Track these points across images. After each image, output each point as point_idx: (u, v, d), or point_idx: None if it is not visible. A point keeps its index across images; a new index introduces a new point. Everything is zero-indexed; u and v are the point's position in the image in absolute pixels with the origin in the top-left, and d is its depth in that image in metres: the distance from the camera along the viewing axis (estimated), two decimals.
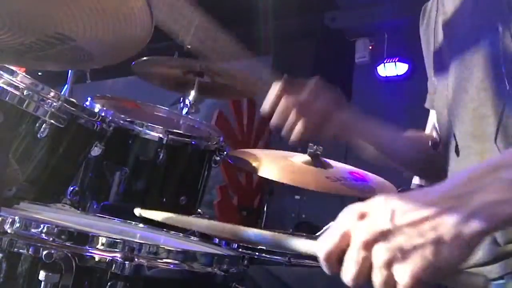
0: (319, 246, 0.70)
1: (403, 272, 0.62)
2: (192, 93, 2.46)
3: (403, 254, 0.63)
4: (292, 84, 1.20)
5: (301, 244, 0.75)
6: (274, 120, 1.21)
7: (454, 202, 0.64)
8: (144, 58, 2.36)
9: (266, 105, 1.22)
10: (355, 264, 0.66)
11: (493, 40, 0.98)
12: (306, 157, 1.80)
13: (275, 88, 1.21)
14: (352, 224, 0.67)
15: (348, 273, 0.66)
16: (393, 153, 1.34)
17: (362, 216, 0.67)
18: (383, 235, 0.64)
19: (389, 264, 0.63)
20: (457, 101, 1.07)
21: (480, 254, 1.00)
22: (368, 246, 0.65)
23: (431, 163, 1.28)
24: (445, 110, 1.13)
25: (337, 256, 0.68)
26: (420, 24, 1.31)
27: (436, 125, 1.29)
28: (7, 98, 1.41)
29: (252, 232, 0.83)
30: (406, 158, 1.36)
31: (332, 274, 0.69)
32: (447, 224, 0.62)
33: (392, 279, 0.63)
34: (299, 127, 1.19)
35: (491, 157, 0.71)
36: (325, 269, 0.70)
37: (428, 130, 1.39)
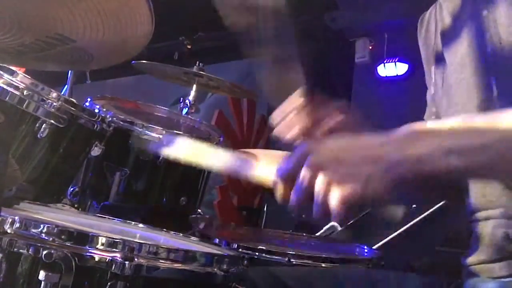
0: (278, 169, 0.84)
1: (335, 193, 0.76)
2: (192, 93, 2.46)
3: (340, 180, 0.77)
4: (313, 102, 1.18)
5: (261, 170, 0.92)
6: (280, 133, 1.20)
7: (391, 148, 0.78)
8: (144, 61, 2.37)
9: (277, 116, 1.20)
10: (303, 185, 0.80)
11: (485, 53, 0.99)
12: None
13: (294, 100, 1.17)
14: (308, 152, 0.80)
15: (296, 192, 0.81)
16: None
17: (316, 148, 0.81)
18: (328, 164, 0.79)
19: (327, 186, 0.77)
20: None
21: (491, 250, 1.00)
22: (314, 171, 0.79)
23: None
24: None
25: (291, 179, 0.82)
26: (418, 34, 1.30)
27: None
28: (7, 98, 1.41)
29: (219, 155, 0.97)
30: None
31: (284, 195, 0.84)
32: (380, 164, 0.77)
33: (328, 199, 0.77)
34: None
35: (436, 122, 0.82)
36: (279, 190, 0.84)
37: None
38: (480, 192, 1.02)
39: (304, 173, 0.80)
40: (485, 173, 0.81)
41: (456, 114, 1.08)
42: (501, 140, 0.76)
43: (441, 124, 0.85)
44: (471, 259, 1.06)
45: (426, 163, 0.76)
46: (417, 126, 0.82)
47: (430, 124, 0.83)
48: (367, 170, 0.76)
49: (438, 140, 0.78)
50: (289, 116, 1.19)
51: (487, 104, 1.00)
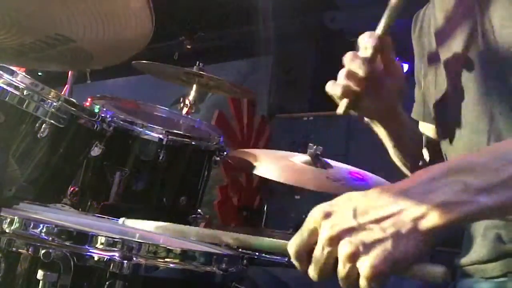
0: (289, 245, 0.75)
1: (365, 264, 0.67)
2: (192, 93, 2.46)
3: (365, 247, 0.68)
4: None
5: (275, 243, 0.81)
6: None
7: (412, 200, 0.69)
8: (143, 61, 2.37)
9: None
10: (321, 259, 0.71)
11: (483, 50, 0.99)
12: (306, 157, 1.80)
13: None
14: (319, 222, 0.72)
15: (315, 267, 0.72)
16: (405, 146, 1.31)
17: (328, 215, 0.71)
18: (347, 231, 0.69)
19: (352, 257, 0.68)
20: (454, 115, 1.07)
21: (484, 251, 1.00)
22: (333, 242, 0.70)
23: None
24: (442, 123, 1.14)
25: (306, 253, 0.73)
26: (412, 32, 1.30)
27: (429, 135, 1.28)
28: (7, 98, 1.41)
29: (231, 236, 0.88)
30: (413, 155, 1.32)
31: (302, 271, 0.74)
32: (404, 220, 0.68)
33: (355, 271, 0.68)
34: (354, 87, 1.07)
35: (450, 159, 0.73)
36: (296, 266, 0.75)
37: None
38: None
39: (320, 247, 0.71)
40: None
41: (450, 112, 1.09)
42: None
43: (460, 160, 0.75)
44: (464, 260, 1.06)
45: (454, 209, 0.67)
46: (435, 167, 0.73)
47: (447, 162, 0.74)
48: (391, 230, 0.68)
49: (462, 180, 0.69)
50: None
51: (481, 102, 1.00)
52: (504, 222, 0.98)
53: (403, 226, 0.68)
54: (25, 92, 1.44)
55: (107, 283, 0.85)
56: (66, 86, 2.32)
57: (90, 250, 0.87)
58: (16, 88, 1.42)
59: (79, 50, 0.98)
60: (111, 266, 0.85)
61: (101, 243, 0.89)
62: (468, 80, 1.03)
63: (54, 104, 1.50)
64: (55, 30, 0.91)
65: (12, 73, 1.42)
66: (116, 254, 0.86)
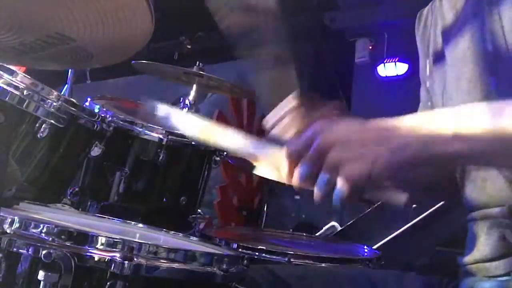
0: (286, 147, 0.85)
1: (342, 174, 0.79)
2: (192, 93, 2.46)
3: (347, 161, 0.79)
4: (308, 105, 1.17)
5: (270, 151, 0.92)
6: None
7: (399, 131, 0.82)
8: (143, 61, 2.37)
9: (272, 119, 1.19)
10: (309, 163, 0.82)
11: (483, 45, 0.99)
12: None
13: (288, 103, 1.18)
14: (317, 132, 0.83)
15: (301, 171, 0.83)
16: None
17: (326, 128, 0.83)
18: (337, 144, 0.81)
19: (334, 166, 0.80)
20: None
21: (487, 249, 1.00)
22: (324, 149, 0.81)
23: None
24: None
25: (298, 158, 0.84)
26: (416, 30, 1.30)
27: None
28: (7, 98, 1.41)
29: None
30: None
31: (288, 177, 0.86)
32: (387, 145, 0.80)
33: (333, 179, 0.80)
34: None
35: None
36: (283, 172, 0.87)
37: None
38: (480, 186, 1.02)
39: (313, 152, 0.82)
40: (489, 161, 0.86)
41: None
42: (504, 132, 0.79)
43: (447, 111, 0.89)
44: (467, 259, 1.06)
45: (432, 147, 0.80)
46: (424, 113, 0.87)
47: (436, 111, 0.89)
48: (375, 151, 0.79)
49: (444, 125, 0.81)
50: (283, 119, 1.18)
51: (487, 100, 1.00)
52: (508, 221, 0.98)
53: (386, 150, 0.79)
54: (25, 92, 1.44)
55: (108, 283, 0.85)
56: (66, 86, 2.32)
57: (90, 251, 0.87)
58: (16, 88, 1.42)
59: (79, 49, 0.98)
60: (112, 267, 0.85)
61: (102, 244, 0.88)
62: (472, 80, 1.03)
63: (54, 104, 1.50)
64: (55, 29, 0.91)
65: (12, 73, 1.42)
66: (117, 254, 0.86)
